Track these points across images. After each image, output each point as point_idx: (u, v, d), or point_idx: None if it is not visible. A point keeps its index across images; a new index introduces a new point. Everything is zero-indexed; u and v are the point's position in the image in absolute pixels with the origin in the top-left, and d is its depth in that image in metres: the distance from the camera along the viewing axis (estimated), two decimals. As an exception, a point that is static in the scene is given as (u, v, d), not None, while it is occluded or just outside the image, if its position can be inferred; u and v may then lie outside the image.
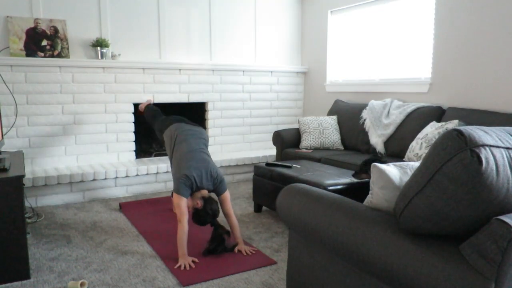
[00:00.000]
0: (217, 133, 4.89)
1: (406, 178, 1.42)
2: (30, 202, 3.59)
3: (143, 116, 3.68)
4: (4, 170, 2.30)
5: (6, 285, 2.22)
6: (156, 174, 4.13)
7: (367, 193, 2.75)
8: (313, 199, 1.65)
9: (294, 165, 3.30)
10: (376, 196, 1.46)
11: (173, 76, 4.47)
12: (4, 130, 3.69)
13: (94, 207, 3.66)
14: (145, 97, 4.34)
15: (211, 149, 4.79)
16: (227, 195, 2.69)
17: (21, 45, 3.70)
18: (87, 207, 3.64)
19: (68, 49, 3.90)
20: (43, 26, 3.77)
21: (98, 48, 3.98)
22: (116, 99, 4.20)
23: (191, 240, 2.76)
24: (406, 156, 3.42)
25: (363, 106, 4.21)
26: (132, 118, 4.31)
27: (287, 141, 4.28)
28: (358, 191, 2.81)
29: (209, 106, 4.78)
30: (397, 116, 3.80)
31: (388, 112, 3.95)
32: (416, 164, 1.50)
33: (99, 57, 4.00)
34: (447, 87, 3.73)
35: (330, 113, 4.58)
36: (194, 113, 4.82)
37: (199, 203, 2.56)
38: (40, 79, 3.81)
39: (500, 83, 3.33)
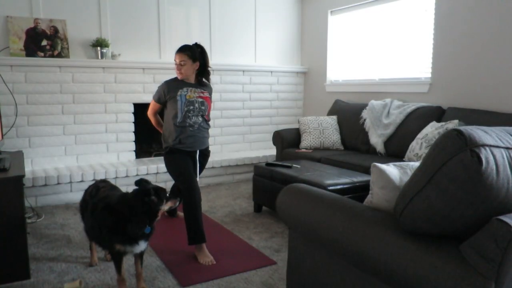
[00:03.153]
0: (217, 133, 4.89)
1: (406, 178, 1.42)
2: (30, 202, 3.59)
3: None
4: (4, 170, 2.30)
5: (6, 285, 2.22)
6: (156, 174, 4.13)
7: (367, 193, 2.75)
8: (313, 199, 1.65)
9: (294, 165, 3.30)
10: (376, 196, 1.46)
11: (173, 76, 4.45)
12: (4, 130, 3.69)
13: (94, 207, 3.66)
14: (145, 97, 4.34)
15: (211, 149, 4.79)
16: None
17: (21, 45, 3.70)
18: (87, 207, 3.64)
19: (68, 49, 3.90)
20: (43, 26, 3.77)
21: (98, 48, 3.98)
22: (116, 99, 4.20)
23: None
24: (406, 156, 3.42)
25: (363, 106, 4.21)
26: (132, 118, 4.30)
27: (287, 141, 4.28)
28: (358, 191, 2.81)
29: (209, 106, 4.78)
30: (397, 116, 3.80)
31: (388, 112, 3.95)
32: (416, 164, 1.50)
33: (99, 57, 4.00)
34: (447, 87, 3.73)
35: (330, 113, 4.58)
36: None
37: None
38: (40, 79, 3.81)
39: (500, 83, 3.33)
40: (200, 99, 2.78)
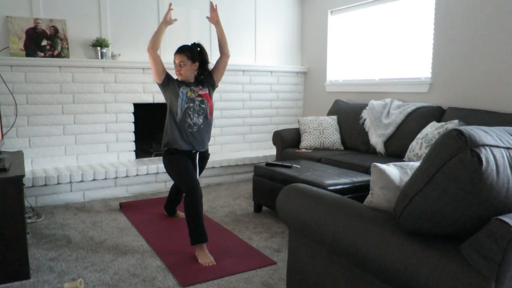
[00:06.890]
0: (217, 133, 4.88)
1: (406, 178, 1.42)
2: (30, 202, 3.59)
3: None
4: (4, 170, 2.30)
5: (6, 285, 2.22)
6: (156, 174, 4.13)
7: (367, 193, 2.75)
8: (313, 199, 1.65)
9: (294, 165, 3.30)
10: (376, 196, 1.46)
11: (173, 76, 4.45)
12: (4, 130, 3.69)
13: (94, 207, 3.66)
14: (145, 97, 4.33)
15: (211, 149, 4.79)
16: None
17: (21, 45, 3.70)
18: (87, 207, 3.64)
19: (68, 49, 3.90)
20: (43, 26, 3.77)
21: (98, 48, 3.98)
22: (116, 99, 4.20)
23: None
24: (406, 156, 3.42)
25: (363, 106, 4.21)
26: (132, 118, 4.30)
27: (287, 141, 4.28)
28: (358, 191, 2.81)
29: (209, 106, 4.78)
30: (397, 116, 3.80)
31: (388, 112, 3.95)
32: (416, 164, 1.50)
33: (99, 57, 4.00)
34: (447, 87, 3.73)
35: (330, 113, 4.58)
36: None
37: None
38: (40, 79, 3.81)
39: (500, 83, 3.33)
40: (200, 98, 2.79)
